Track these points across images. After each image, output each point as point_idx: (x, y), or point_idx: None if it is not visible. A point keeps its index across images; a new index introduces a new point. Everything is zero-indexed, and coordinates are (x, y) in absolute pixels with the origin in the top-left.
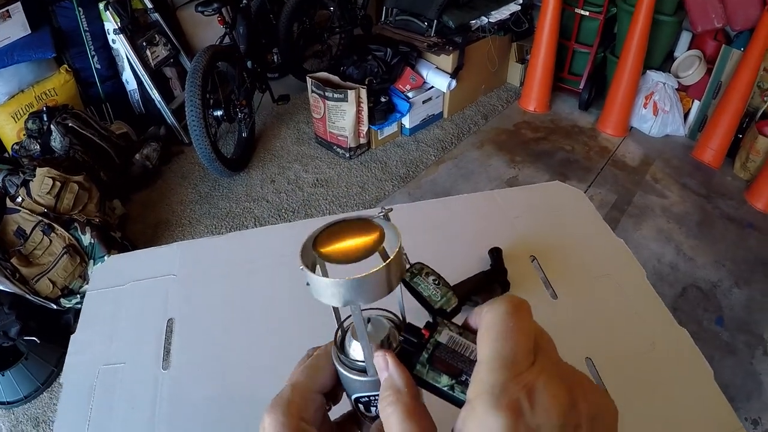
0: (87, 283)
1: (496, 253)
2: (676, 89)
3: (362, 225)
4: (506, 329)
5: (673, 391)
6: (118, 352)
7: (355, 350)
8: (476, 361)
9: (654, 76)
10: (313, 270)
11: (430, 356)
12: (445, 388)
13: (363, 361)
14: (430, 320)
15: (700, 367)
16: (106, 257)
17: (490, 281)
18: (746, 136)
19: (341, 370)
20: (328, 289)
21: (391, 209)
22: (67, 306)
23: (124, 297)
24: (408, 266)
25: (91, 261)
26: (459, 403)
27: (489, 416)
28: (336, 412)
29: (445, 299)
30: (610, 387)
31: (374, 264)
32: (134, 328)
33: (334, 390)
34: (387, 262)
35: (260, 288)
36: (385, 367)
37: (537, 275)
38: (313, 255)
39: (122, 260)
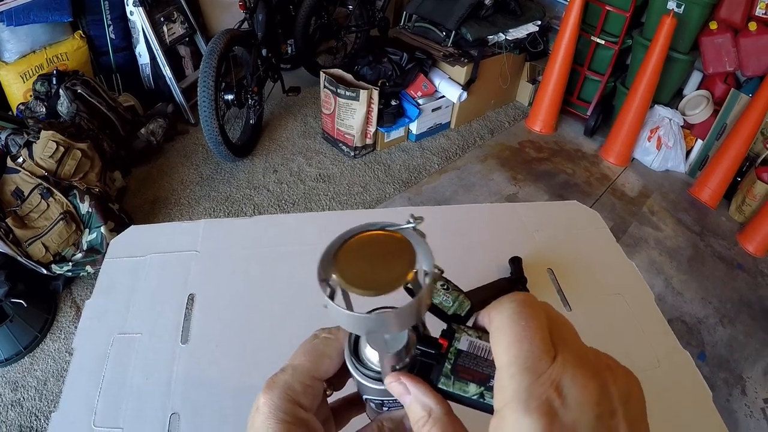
0: (80, 252)
1: (516, 262)
2: (681, 126)
3: (390, 242)
4: (518, 330)
5: (675, 409)
6: (135, 322)
7: (371, 356)
8: None
9: (661, 111)
10: (333, 293)
11: (453, 366)
12: (475, 397)
13: (379, 371)
14: (445, 328)
15: (700, 389)
16: (102, 228)
17: (510, 288)
18: (745, 179)
19: (355, 375)
20: (348, 320)
21: (422, 219)
22: (58, 272)
23: (143, 268)
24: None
25: (87, 230)
26: (490, 410)
27: (522, 423)
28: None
29: (458, 303)
30: None
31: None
32: (153, 300)
33: (338, 377)
34: (418, 296)
35: (284, 271)
36: (405, 391)
37: (553, 287)
38: (331, 273)
39: (143, 231)
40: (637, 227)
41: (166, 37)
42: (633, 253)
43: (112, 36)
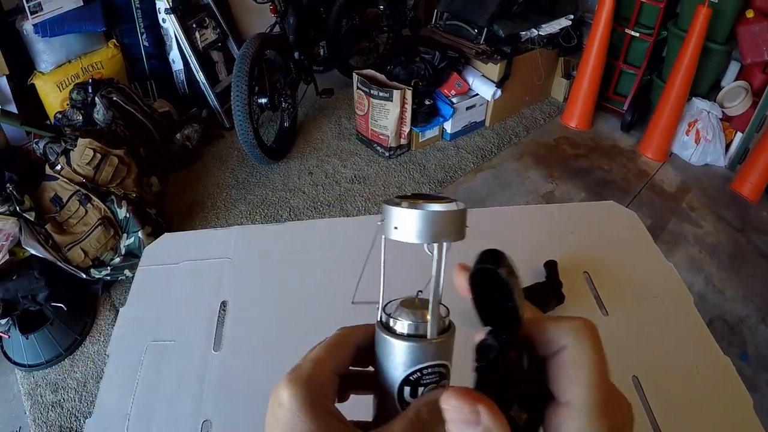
0: (118, 256)
1: (551, 266)
2: (720, 119)
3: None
4: (599, 370)
5: (714, 416)
6: (168, 330)
7: (404, 316)
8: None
9: (699, 104)
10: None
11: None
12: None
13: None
14: (491, 336)
15: (741, 396)
16: (139, 232)
17: (546, 293)
18: None
19: (388, 338)
20: (412, 220)
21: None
22: (97, 277)
23: (176, 276)
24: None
25: (125, 235)
26: None
27: None
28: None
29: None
30: (654, 406)
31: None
32: (186, 308)
33: (349, 381)
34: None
35: (316, 277)
36: (474, 419)
37: (589, 291)
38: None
39: (175, 239)
40: (676, 224)
41: (199, 43)
42: (672, 250)
43: (146, 44)
